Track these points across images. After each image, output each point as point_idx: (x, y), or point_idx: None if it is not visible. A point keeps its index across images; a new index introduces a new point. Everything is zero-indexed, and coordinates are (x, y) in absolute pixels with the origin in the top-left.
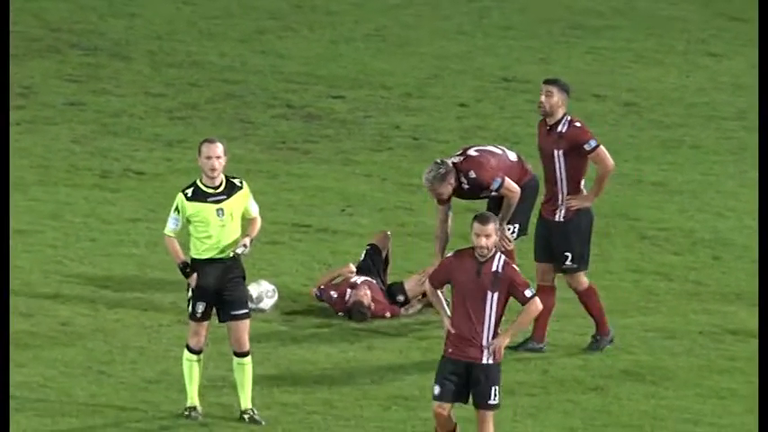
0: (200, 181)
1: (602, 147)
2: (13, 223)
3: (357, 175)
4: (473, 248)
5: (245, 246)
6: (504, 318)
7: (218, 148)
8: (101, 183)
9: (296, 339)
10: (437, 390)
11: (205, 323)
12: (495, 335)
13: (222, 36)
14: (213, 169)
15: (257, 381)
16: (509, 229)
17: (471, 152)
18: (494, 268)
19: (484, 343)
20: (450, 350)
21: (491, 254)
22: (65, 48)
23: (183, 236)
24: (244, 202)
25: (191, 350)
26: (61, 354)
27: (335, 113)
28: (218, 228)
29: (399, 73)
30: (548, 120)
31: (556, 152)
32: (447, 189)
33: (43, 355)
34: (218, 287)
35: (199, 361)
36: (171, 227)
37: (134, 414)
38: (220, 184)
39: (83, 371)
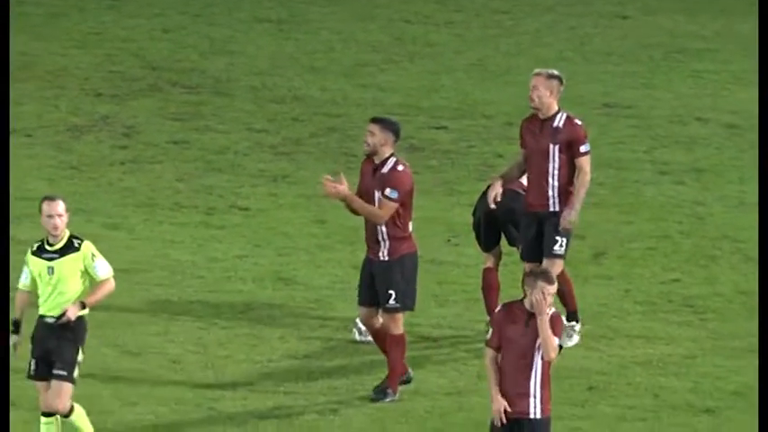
0: (47, 238)
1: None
2: (118, 263)
3: (462, 205)
4: (521, 300)
5: (64, 314)
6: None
7: (60, 206)
8: (206, 220)
9: None
10: None
11: (44, 383)
12: (544, 386)
13: (324, 70)
14: (55, 228)
15: (369, 413)
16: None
17: None
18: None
19: (531, 394)
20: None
21: None
22: (166, 86)
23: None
24: (78, 263)
25: (42, 413)
26: (171, 391)
27: (438, 144)
28: (48, 286)
29: (501, 102)
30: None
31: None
32: (545, 94)
33: (154, 392)
34: (44, 346)
35: (50, 423)
36: (21, 280)
37: None
38: (60, 243)
39: (193, 408)
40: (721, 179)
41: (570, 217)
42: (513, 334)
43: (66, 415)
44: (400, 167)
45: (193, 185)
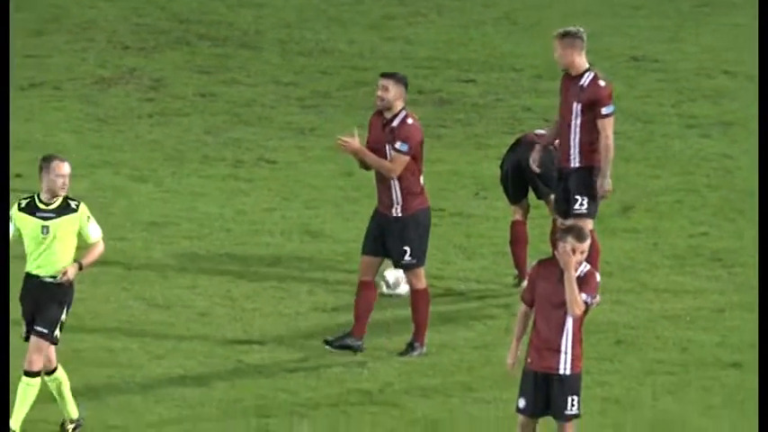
0: (38, 196)
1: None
2: (147, 216)
3: (490, 158)
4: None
5: (64, 274)
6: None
7: (69, 168)
8: (234, 173)
9: (434, 324)
10: (521, 403)
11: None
12: (575, 343)
13: (351, 23)
14: (64, 187)
15: (397, 366)
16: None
17: None
18: (577, 273)
19: (562, 350)
20: (529, 360)
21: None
22: (194, 39)
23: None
24: (75, 225)
25: (24, 372)
26: (199, 344)
27: (467, 97)
28: (41, 245)
29: (529, 55)
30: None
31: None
32: (565, 54)
33: (182, 346)
34: (34, 304)
35: (29, 385)
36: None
37: (273, 402)
38: (56, 202)
39: (221, 361)
40: (748, 132)
41: (603, 185)
42: (545, 290)
43: (48, 373)
44: (410, 120)
45: (221, 138)
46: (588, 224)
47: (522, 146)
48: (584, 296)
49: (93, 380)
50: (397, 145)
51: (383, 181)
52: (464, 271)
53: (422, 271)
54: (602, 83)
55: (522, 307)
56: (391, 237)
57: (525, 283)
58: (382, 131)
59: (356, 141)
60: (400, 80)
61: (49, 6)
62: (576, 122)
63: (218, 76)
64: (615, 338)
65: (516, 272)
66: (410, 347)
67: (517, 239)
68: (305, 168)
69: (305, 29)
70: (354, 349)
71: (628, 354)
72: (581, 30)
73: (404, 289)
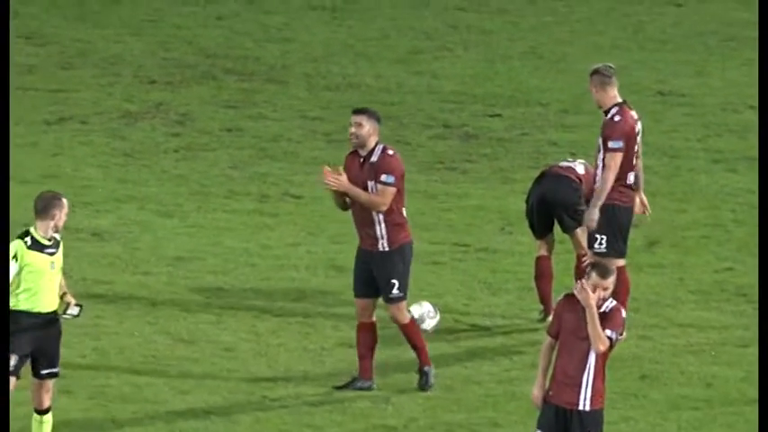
0: (34, 231)
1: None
2: (172, 250)
3: (516, 192)
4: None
5: (78, 306)
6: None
7: None
8: (260, 208)
9: (459, 359)
10: None
11: (40, 380)
12: (597, 378)
13: (378, 57)
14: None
15: (421, 402)
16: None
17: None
18: (602, 309)
19: (583, 385)
20: (551, 393)
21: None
22: (220, 74)
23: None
24: (62, 256)
25: (37, 410)
26: (224, 380)
27: (492, 132)
28: (50, 282)
29: (555, 89)
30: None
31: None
32: (592, 92)
33: (206, 381)
34: (36, 342)
35: (44, 422)
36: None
37: None
38: (50, 237)
39: (246, 396)
40: None
41: (587, 216)
42: (569, 324)
43: (47, 411)
44: (390, 152)
45: (247, 173)
46: (614, 262)
47: (546, 179)
48: (608, 332)
49: (118, 415)
50: (383, 178)
51: (366, 217)
52: (489, 306)
53: (404, 304)
54: (615, 117)
55: (547, 339)
56: (378, 271)
57: (551, 317)
58: (360, 169)
59: (345, 178)
60: (372, 115)
61: (75, 41)
62: (599, 158)
63: (245, 110)
64: (640, 373)
65: (542, 307)
66: (422, 374)
67: (542, 274)
68: (330, 203)
69: (331, 63)
70: (366, 389)
71: (653, 389)
72: (608, 66)
73: (429, 324)
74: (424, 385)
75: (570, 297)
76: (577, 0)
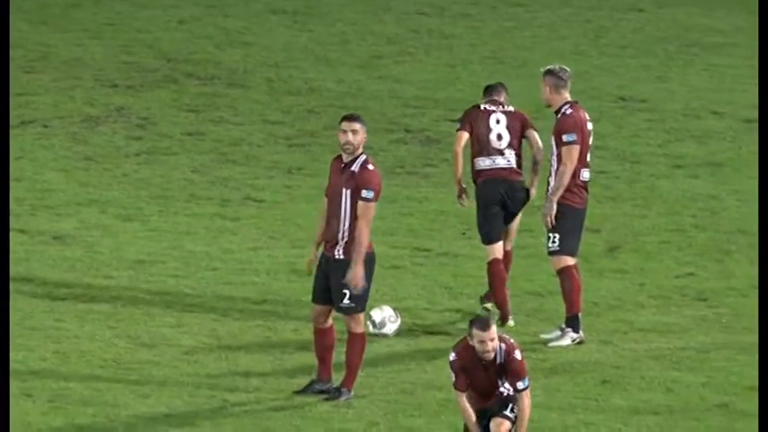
0: None
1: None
2: (133, 254)
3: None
4: (467, 342)
5: None
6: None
7: None
8: (221, 212)
9: (420, 363)
10: None
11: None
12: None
13: (339, 62)
14: None
15: (383, 406)
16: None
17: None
18: (498, 360)
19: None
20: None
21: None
22: (181, 78)
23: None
24: None
25: None
26: (185, 384)
27: (453, 136)
28: None
29: (516, 95)
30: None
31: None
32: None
33: (167, 385)
34: None
35: None
36: None
37: None
38: None
39: (206, 400)
40: (736, 173)
41: (543, 209)
42: (473, 379)
43: None
44: (371, 167)
45: (208, 177)
46: (560, 261)
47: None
48: (519, 385)
49: (78, 419)
50: (363, 194)
51: (334, 217)
52: (450, 311)
53: (361, 317)
54: (567, 111)
55: (461, 396)
56: (333, 277)
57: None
58: (340, 174)
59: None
60: (364, 122)
61: (36, 44)
62: (553, 157)
63: (206, 114)
64: (601, 378)
65: (499, 312)
66: (337, 392)
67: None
68: (292, 207)
69: (292, 68)
70: (326, 392)
71: (613, 394)
72: (564, 69)
73: (390, 328)
74: (329, 398)
75: (460, 354)
76: (539, 5)
